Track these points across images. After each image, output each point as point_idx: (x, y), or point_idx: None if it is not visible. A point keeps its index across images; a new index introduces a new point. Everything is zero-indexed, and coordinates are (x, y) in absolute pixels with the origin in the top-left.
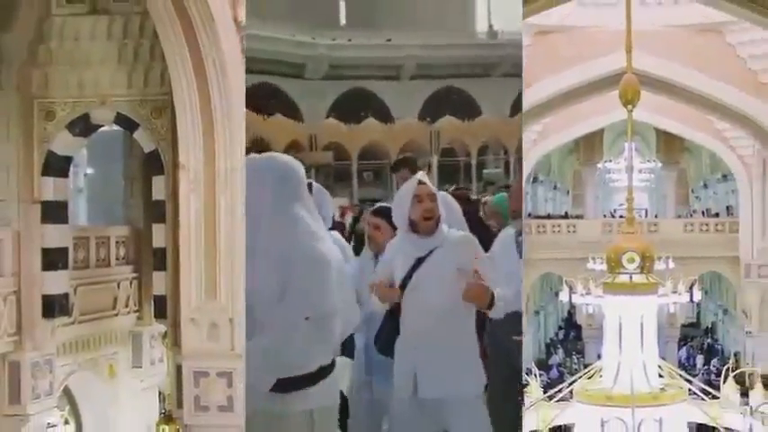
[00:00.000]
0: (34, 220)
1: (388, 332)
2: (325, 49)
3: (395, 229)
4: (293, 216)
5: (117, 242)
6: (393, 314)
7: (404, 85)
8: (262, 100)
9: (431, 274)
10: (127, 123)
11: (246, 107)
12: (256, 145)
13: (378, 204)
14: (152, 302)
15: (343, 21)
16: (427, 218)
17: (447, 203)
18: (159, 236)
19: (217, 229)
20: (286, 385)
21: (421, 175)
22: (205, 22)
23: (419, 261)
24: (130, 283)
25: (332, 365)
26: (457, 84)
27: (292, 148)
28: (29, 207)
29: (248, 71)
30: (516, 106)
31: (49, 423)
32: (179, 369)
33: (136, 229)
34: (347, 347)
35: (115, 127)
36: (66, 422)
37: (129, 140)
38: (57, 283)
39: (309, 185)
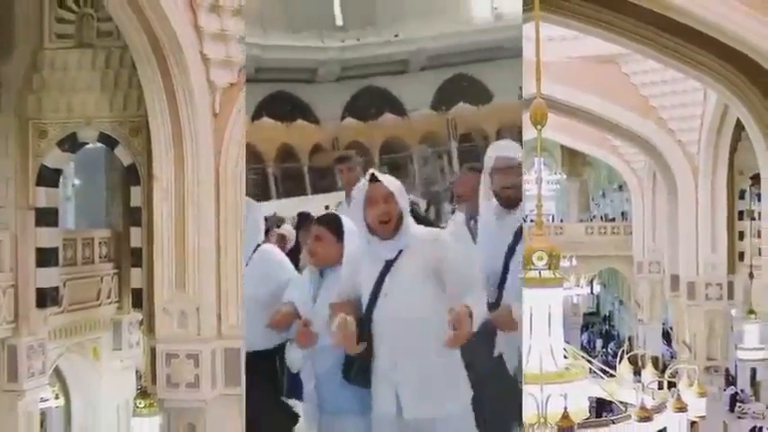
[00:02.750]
0: (29, 223)
1: (363, 354)
2: (335, 52)
3: (340, 239)
4: None
5: (100, 243)
6: (361, 334)
7: (414, 78)
8: (281, 108)
9: (401, 279)
10: (108, 141)
11: (267, 116)
12: (282, 152)
13: (324, 212)
14: (130, 294)
15: (340, 22)
16: (383, 221)
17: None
18: (136, 237)
19: (186, 232)
20: None
21: (371, 172)
22: (175, 55)
23: (388, 264)
24: (112, 278)
25: None
26: (466, 70)
27: (317, 151)
28: (25, 213)
29: (262, 81)
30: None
31: (42, 398)
32: (153, 351)
33: (116, 231)
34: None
35: (98, 144)
36: (57, 397)
37: (111, 156)
38: (48, 277)
39: None
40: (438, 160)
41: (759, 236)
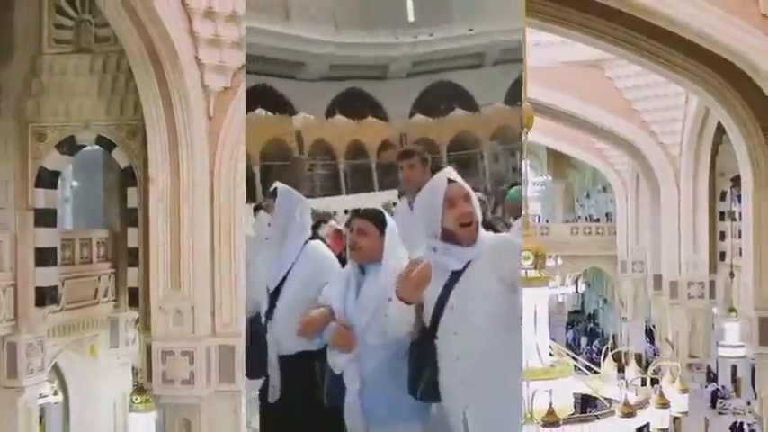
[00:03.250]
0: (29, 224)
1: (429, 368)
2: (407, 47)
3: (383, 234)
4: None
5: (98, 243)
6: (424, 345)
7: (486, 72)
8: (351, 105)
9: (471, 290)
10: (106, 144)
11: (340, 113)
12: (352, 149)
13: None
14: (127, 293)
15: (412, 18)
16: (465, 224)
17: None
18: (133, 238)
19: (181, 233)
20: None
21: (449, 171)
22: (171, 60)
23: (455, 275)
24: (109, 277)
25: None
26: None
27: (385, 147)
28: (24, 214)
29: (334, 79)
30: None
31: (41, 394)
32: (149, 348)
33: (113, 232)
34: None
35: (96, 147)
36: (56, 393)
37: (108, 158)
38: (47, 277)
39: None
40: (510, 157)
41: (740, 236)
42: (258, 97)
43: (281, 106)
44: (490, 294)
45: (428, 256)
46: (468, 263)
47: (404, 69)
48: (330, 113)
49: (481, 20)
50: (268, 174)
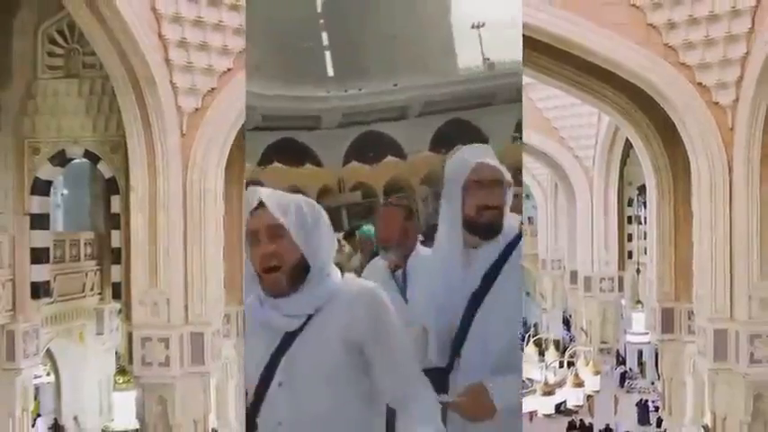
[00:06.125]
0: (25, 227)
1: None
2: (338, 100)
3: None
4: None
5: (85, 243)
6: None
7: (412, 123)
8: (290, 153)
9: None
10: (92, 157)
11: (278, 161)
12: (292, 193)
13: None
14: (111, 287)
15: (331, 73)
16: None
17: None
18: (116, 239)
19: (157, 235)
20: None
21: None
22: (149, 84)
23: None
24: (95, 273)
25: None
26: (462, 116)
27: (324, 192)
28: (21, 218)
29: (270, 129)
30: (518, 130)
31: (35, 375)
32: (130, 336)
33: (99, 233)
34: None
35: (84, 159)
36: (48, 374)
37: (94, 169)
38: (41, 273)
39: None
40: (439, 200)
41: (645, 237)
42: None
43: None
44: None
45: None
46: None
47: (335, 120)
48: (267, 161)
49: (402, 76)
50: None
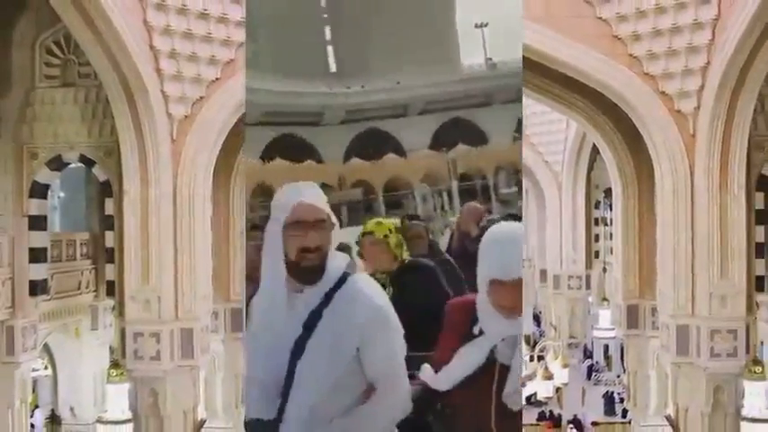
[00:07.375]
0: (23, 228)
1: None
2: (341, 97)
3: None
4: None
5: (81, 244)
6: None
7: (413, 121)
8: (291, 149)
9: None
10: (87, 161)
11: (279, 157)
12: None
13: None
14: (105, 285)
15: (333, 69)
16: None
17: None
18: (110, 239)
19: (149, 236)
20: None
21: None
22: (141, 93)
23: None
24: (90, 272)
25: None
26: (462, 114)
27: (325, 189)
28: (20, 219)
29: (272, 124)
30: (518, 129)
31: (34, 368)
32: (123, 331)
33: (94, 234)
34: None
35: (79, 164)
36: (46, 368)
37: (89, 173)
38: (39, 271)
39: None
40: (438, 198)
41: (611, 238)
42: None
43: None
44: None
45: None
46: None
47: (338, 117)
48: (270, 157)
49: (403, 75)
50: None
